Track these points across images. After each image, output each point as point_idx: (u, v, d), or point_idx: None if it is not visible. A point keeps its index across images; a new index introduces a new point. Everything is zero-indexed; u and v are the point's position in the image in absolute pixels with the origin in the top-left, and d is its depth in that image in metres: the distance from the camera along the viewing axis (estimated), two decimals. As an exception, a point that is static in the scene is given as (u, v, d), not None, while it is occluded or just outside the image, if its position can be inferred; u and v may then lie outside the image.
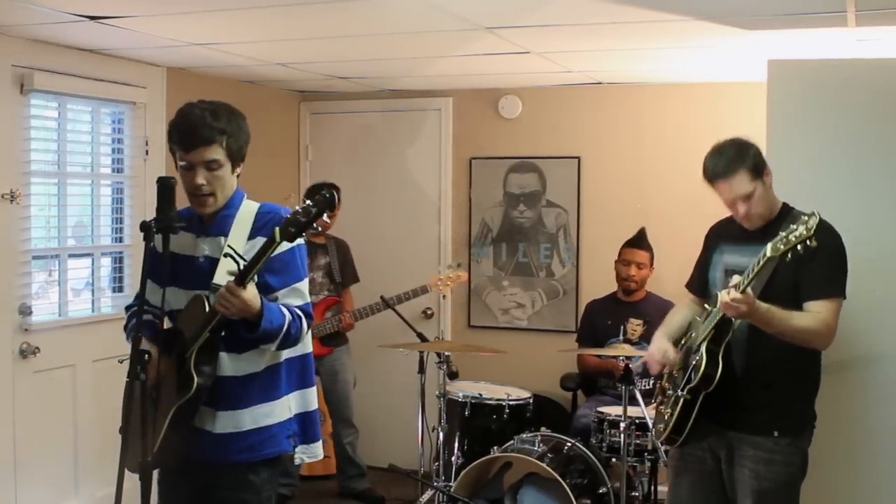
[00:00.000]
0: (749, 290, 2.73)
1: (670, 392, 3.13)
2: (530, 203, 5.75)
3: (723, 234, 3.21)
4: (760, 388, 2.97)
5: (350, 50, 4.45)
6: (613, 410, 4.40)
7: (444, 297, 5.64)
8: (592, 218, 5.61)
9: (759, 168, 2.97)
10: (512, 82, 5.57)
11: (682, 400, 2.98)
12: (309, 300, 2.74)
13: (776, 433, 2.95)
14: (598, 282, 5.36)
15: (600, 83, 5.47)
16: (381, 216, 5.92)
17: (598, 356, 4.96)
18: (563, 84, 5.52)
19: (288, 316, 2.60)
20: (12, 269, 4.07)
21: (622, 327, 4.97)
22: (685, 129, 5.32)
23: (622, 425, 4.18)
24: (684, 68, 4.87)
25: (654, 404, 3.31)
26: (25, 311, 4.12)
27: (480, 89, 5.79)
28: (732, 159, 2.95)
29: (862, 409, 3.57)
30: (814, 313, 2.88)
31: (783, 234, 2.65)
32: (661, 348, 3.17)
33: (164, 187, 2.49)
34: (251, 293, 2.50)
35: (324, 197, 2.39)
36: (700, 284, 3.29)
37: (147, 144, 4.72)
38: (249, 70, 5.08)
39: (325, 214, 2.40)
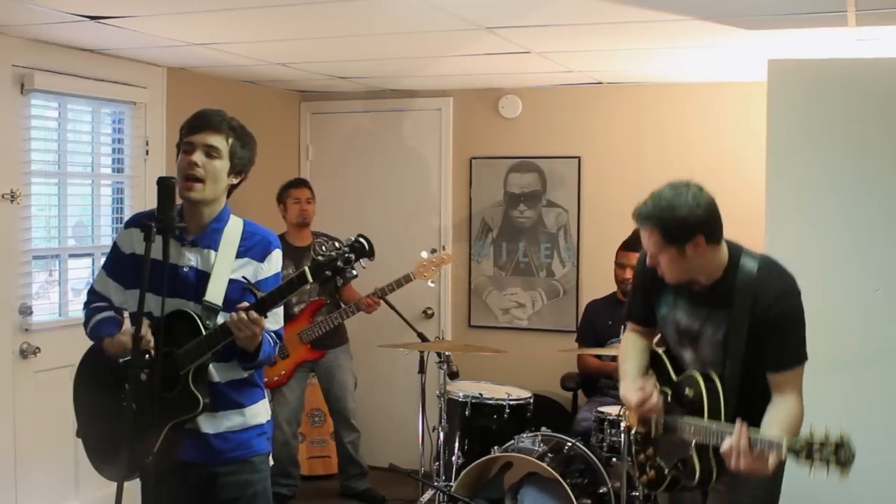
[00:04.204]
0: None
1: (650, 455, 2.89)
2: (530, 203, 5.74)
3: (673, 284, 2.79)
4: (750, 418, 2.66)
5: (350, 50, 4.45)
6: (614, 410, 4.39)
7: (431, 283, 5.03)
8: (592, 218, 5.61)
9: (678, 237, 2.56)
10: (512, 82, 5.57)
11: (669, 477, 2.79)
12: (282, 324, 2.81)
13: None
14: (599, 282, 5.35)
15: (600, 83, 5.47)
16: (381, 216, 5.91)
17: (599, 357, 4.96)
18: (563, 84, 5.52)
19: (272, 345, 2.71)
20: (12, 269, 4.07)
21: (623, 327, 4.95)
22: (685, 129, 5.32)
23: (622, 425, 4.18)
24: (684, 68, 4.86)
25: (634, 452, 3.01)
26: (26, 311, 4.12)
27: (480, 89, 5.79)
28: (655, 211, 2.58)
29: (862, 409, 3.57)
30: (790, 413, 2.55)
31: (801, 444, 2.31)
32: (640, 391, 2.81)
33: (164, 187, 2.51)
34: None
35: (361, 244, 2.56)
36: (647, 317, 2.99)
37: (147, 144, 4.72)
38: (249, 70, 5.08)
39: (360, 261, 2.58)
